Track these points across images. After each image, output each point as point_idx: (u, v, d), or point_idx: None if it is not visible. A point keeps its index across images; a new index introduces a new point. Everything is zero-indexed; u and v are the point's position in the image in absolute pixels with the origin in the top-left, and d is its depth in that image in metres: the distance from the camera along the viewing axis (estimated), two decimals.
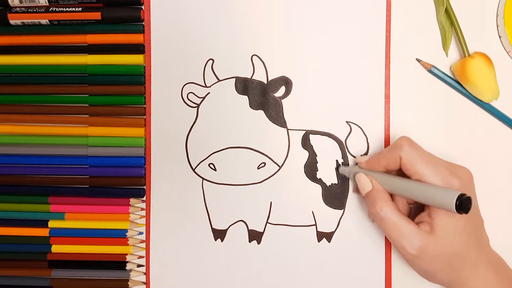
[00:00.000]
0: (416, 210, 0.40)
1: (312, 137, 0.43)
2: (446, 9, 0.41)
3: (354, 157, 0.42)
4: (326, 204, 0.43)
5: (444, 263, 0.36)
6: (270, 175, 0.43)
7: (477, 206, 0.38)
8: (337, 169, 0.42)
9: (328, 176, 0.42)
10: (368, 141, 0.42)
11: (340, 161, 0.42)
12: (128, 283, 0.43)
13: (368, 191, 0.38)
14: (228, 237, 0.43)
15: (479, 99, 0.41)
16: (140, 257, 0.44)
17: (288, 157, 0.43)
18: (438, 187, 0.34)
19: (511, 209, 0.43)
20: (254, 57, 0.43)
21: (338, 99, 0.42)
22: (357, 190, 0.42)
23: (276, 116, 0.42)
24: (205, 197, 0.43)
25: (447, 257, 0.35)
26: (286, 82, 0.42)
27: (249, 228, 0.43)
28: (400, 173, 0.38)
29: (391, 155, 0.37)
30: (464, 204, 0.32)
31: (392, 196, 0.38)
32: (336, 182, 0.42)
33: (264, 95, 0.42)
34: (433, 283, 0.38)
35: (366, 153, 0.42)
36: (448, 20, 0.41)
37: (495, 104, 0.42)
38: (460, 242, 0.35)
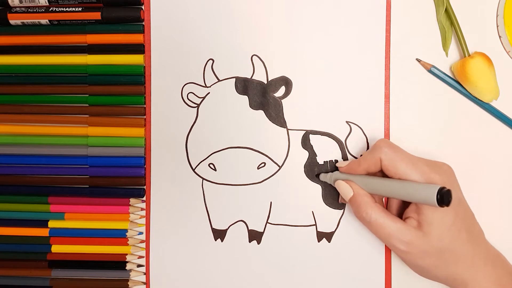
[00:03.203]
0: (404, 205, 0.40)
1: (312, 137, 0.43)
2: (446, 9, 0.41)
3: (355, 157, 0.42)
4: (326, 204, 0.43)
5: (437, 258, 0.36)
6: (270, 175, 0.43)
7: (464, 200, 0.38)
8: (317, 176, 0.42)
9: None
10: (368, 141, 0.42)
11: (324, 169, 0.42)
12: (128, 283, 0.43)
13: (351, 196, 0.38)
14: (228, 237, 0.43)
15: (479, 99, 0.41)
16: (140, 257, 0.44)
17: (288, 157, 0.43)
18: (418, 183, 0.35)
19: (511, 209, 0.43)
20: (254, 57, 0.43)
21: (338, 99, 0.42)
22: (342, 199, 0.42)
23: (276, 116, 0.42)
24: (205, 197, 0.43)
25: (439, 252, 0.35)
26: (286, 82, 0.42)
27: (249, 228, 0.43)
28: (382, 175, 0.38)
29: (371, 157, 0.37)
30: (445, 197, 0.32)
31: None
32: None
33: (264, 95, 0.42)
34: (431, 279, 0.38)
35: None
36: (448, 20, 0.41)
37: (495, 104, 0.42)
38: (450, 237, 0.35)
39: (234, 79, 0.43)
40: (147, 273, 0.44)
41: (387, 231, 0.36)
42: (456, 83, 0.42)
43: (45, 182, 0.43)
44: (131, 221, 0.43)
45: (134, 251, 0.43)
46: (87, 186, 0.43)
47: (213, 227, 0.43)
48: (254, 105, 0.42)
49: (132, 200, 0.43)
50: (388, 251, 0.43)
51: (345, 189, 0.38)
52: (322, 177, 0.42)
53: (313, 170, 0.43)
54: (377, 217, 0.36)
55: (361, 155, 0.42)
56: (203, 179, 0.43)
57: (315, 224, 0.43)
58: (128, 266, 0.43)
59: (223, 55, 0.43)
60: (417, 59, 0.42)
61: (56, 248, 0.44)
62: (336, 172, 0.41)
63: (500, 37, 0.42)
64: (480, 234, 0.38)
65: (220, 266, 0.43)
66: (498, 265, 0.38)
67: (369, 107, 0.42)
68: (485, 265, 0.37)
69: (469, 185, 0.38)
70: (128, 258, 0.43)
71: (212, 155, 0.43)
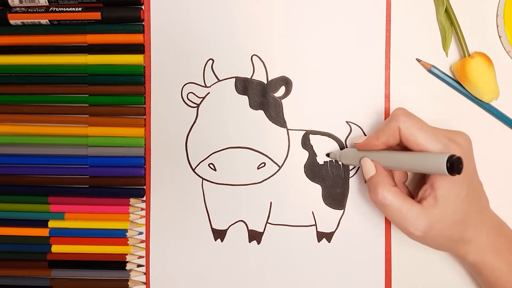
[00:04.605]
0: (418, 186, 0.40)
1: (312, 137, 0.43)
2: (446, 9, 0.41)
3: None
4: (326, 204, 0.43)
5: (449, 233, 0.36)
6: (270, 175, 0.43)
7: (476, 171, 0.38)
8: (327, 155, 0.42)
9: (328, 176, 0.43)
10: None
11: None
12: (128, 283, 0.43)
13: (371, 175, 0.37)
14: (228, 237, 0.43)
15: (479, 99, 0.41)
16: (140, 257, 0.44)
17: (288, 157, 0.43)
18: (428, 153, 0.34)
19: (511, 209, 0.42)
20: (254, 57, 0.43)
21: (338, 99, 0.42)
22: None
23: (276, 116, 0.42)
24: (205, 197, 0.43)
25: (452, 226, 0.35)
26: (286, 82, 0.42)
27: (249, 228, 0.43)
28: (400, 149, 0.38)
29: (389, 128, 0.36)
30: (455, 165, 0.32)
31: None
32: (336, 182, 0.42)
33: (264, 95, 0.42)
34: (438, 250, 0.39)
35: None
36: (448, 20, 0.41)
37: (495, 104, 0.42)
38: (462, 210, 0.35)
39: (234, 79, 0.43)
40: (147, 273, 0.44)
41: (404, 216, 0.35)
42: (456, 83, 0.42)
43: (45, 182, 0.43)
44: (131, 221, 0.43)
45: (134, 251, 0.43)
46: (87, 186, 0.43)
47: (213, 227, 0.43)
48: (254, 105, 0.42)
49: (132, 200, 0.43)
50: (388, 251, 0.43)
51: (369, 167, 0.37)
52: (332, 155, 0.41)
53: (313, 170, 0.43)
54: (395, 201, 0.35)
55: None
56: (203, 179, 0.43)
57: (315, 224, 0.43)
58: (128, 266, 0.43)
59: (223, 55, 0.43)
60: (417, 59, 0.42)
61: (56, 248, 0.44)
62: (349, 149, 0.40)
63: (500, 37, 0.42)
64: (486, 203, 0.39)
65: (220, 266, 0.43)
66: (501, 233, 0.38)
67: (369, 107, 0.42)
68: (489, 233, 0.37)
69: None
70: (128, 258, 0.43)
71: (212, 155, 0.43)
